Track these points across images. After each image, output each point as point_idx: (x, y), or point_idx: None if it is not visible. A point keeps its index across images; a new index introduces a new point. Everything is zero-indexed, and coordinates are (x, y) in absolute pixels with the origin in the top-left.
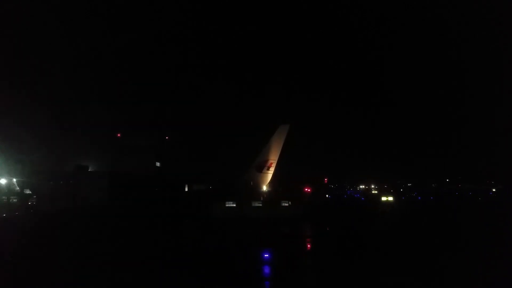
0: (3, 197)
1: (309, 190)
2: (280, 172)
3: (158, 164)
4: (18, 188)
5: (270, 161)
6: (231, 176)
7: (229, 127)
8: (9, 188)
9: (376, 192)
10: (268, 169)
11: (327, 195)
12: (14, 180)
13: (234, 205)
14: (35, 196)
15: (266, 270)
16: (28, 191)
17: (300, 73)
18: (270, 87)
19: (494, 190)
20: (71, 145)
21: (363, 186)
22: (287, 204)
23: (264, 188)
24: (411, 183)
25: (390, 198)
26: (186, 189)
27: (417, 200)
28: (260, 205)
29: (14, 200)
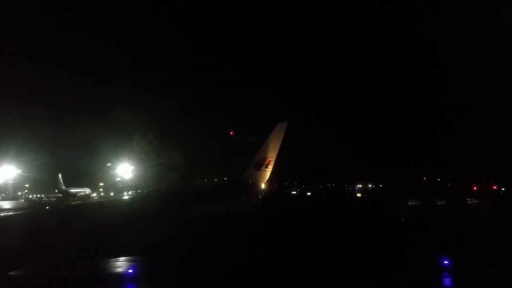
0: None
1: (495, 187)
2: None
3: None
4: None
5: (269, 159)
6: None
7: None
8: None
9: None
10: (266, 167)
11: None
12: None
13: (418, 203)
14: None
15: None
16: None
17: (299, 72)
18: (269, 85)
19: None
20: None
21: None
22: (474, 202)
23: (263, 186)
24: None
25: None
26: None
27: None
28: (444, 203)
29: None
